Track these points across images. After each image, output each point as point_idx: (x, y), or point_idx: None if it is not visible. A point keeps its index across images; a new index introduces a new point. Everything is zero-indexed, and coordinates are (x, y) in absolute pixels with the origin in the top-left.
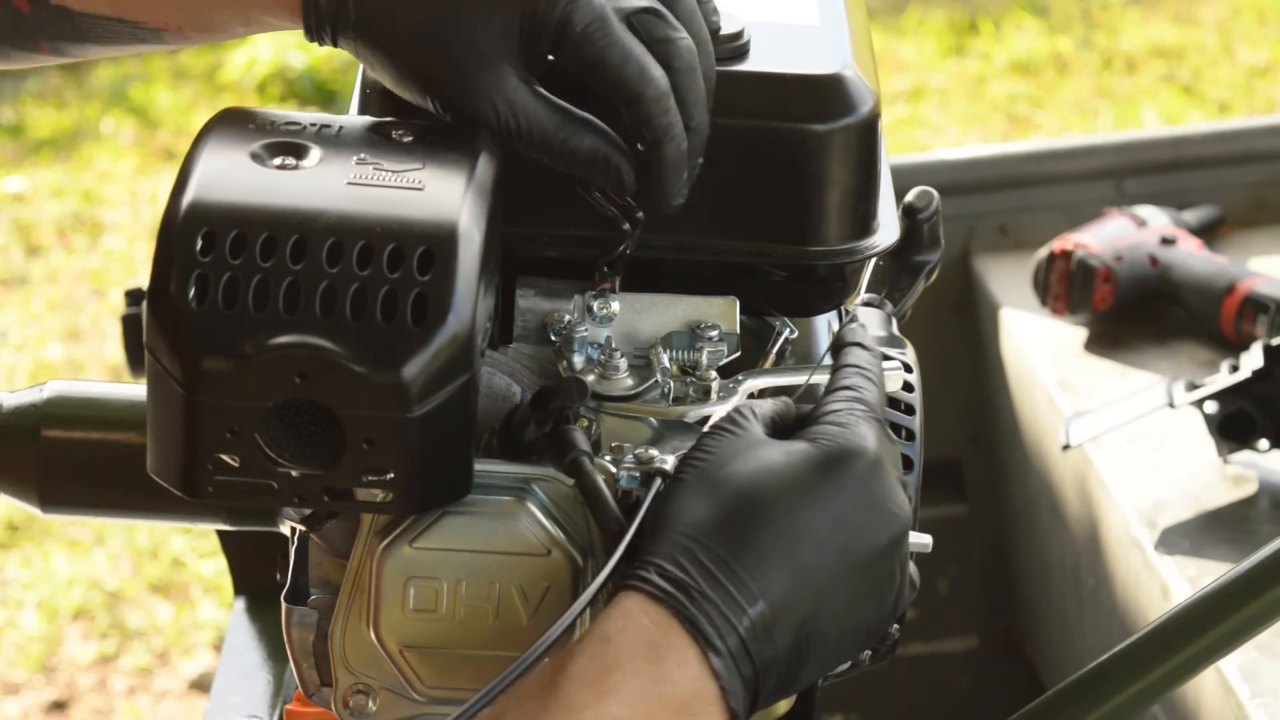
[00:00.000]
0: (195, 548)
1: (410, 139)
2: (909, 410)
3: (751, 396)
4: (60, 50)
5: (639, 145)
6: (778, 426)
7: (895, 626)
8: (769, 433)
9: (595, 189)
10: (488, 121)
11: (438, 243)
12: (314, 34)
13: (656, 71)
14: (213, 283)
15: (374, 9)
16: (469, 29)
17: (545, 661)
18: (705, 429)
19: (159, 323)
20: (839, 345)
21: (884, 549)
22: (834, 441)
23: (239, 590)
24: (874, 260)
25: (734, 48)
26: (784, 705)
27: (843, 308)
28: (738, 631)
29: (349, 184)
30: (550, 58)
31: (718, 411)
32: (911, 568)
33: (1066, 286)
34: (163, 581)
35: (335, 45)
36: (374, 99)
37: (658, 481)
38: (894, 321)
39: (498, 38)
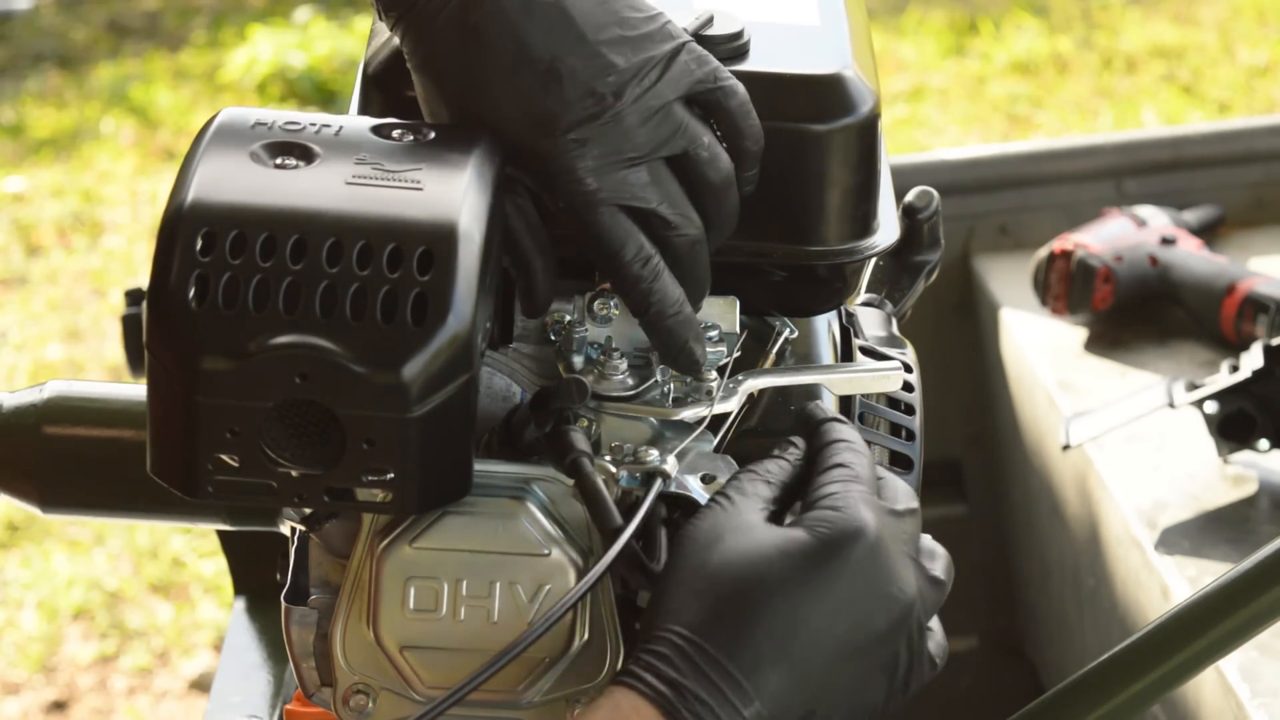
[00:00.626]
0: (195, 548)
1: (410, 139)
2: (909, 410)
3: (751, 396)
4: None
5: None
6: (775, 500)
7: None
8: (767, 509)
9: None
10: None
11: (438, 243)
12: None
13: (635, 253)
14: (213, 282)
15: (415, 53)
16: (478, 120)
17: None
18: (706, 501)
19: (159, 322)
20: (814, 422)
21: (885, 633)
22: (831, 527)
23: (239, 590)
24: (874, 260)
25: (734, 48)
26: None
27: (843, 307)
28: None
29: (349, 184)
30: None
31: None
32: (936, 642)
33: (1066, 286)
34: (163, 581)
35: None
36: (374, 99)
37: (658, 482)
38: (894, 321)
39: (493, 162)
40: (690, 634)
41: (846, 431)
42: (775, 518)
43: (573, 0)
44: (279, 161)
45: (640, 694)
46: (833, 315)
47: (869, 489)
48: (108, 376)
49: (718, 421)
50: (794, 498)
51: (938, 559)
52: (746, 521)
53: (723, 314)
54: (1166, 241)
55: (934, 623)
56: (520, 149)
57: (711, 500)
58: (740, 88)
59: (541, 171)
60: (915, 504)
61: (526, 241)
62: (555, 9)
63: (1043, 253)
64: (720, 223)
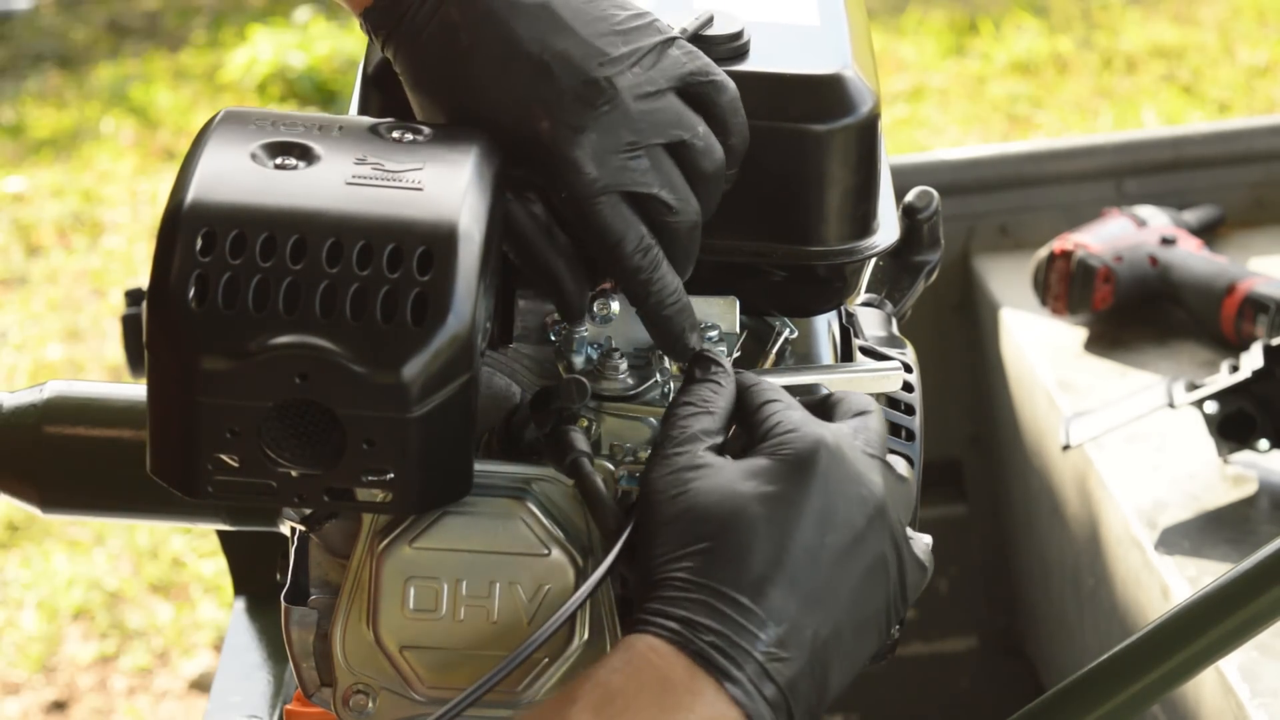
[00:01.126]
0: (195, 548)
1: (410, 139)
2: (909, 410)
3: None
4: None
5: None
6: (721, 429)
7: (895, 626)
8: (716, 443)
9: None
10: None
11: (438, 243)
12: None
13: (636, 243)
14: (213, 283)
15: (406, 68)
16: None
17: (548, 698)
18: (650, 456)
19: (159, 322)
20: (742, 388)
21: (864, 530)
22: (791, 449)
23: (239, 590)
24: (874, 260)
25: (734, 48)
26: None
27: (843, 308)
28: (754, 657)
29: (349, 184)
30: None
31: (677, 418)
32: (921, 546)
33: (1066, 286)
34: (163, 581)
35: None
36: (374, 99)
37: None
38: (894, 321)
39: (492, 162)
40: (688, 574)
41: (751, 376)
42: (726, 449)
43: (559, 0)
44: (279, 161)
45: (653, 634)
46: (833, 315)
47: (805, 412)
48: (108, 376)
49: None
50: (731, 423)
51: (897, 462)
52: (707, 462)
53: (723, 314)
54: (1166, 241)
55: (913, 532)
56: (519, 145)
57: (662, 445)
58: (731, 84)
59: (542, 163)
60: (870, 407)
61: (546, 250)
62: (542, 8)
63: (1043, 253)
64: (707, 213)
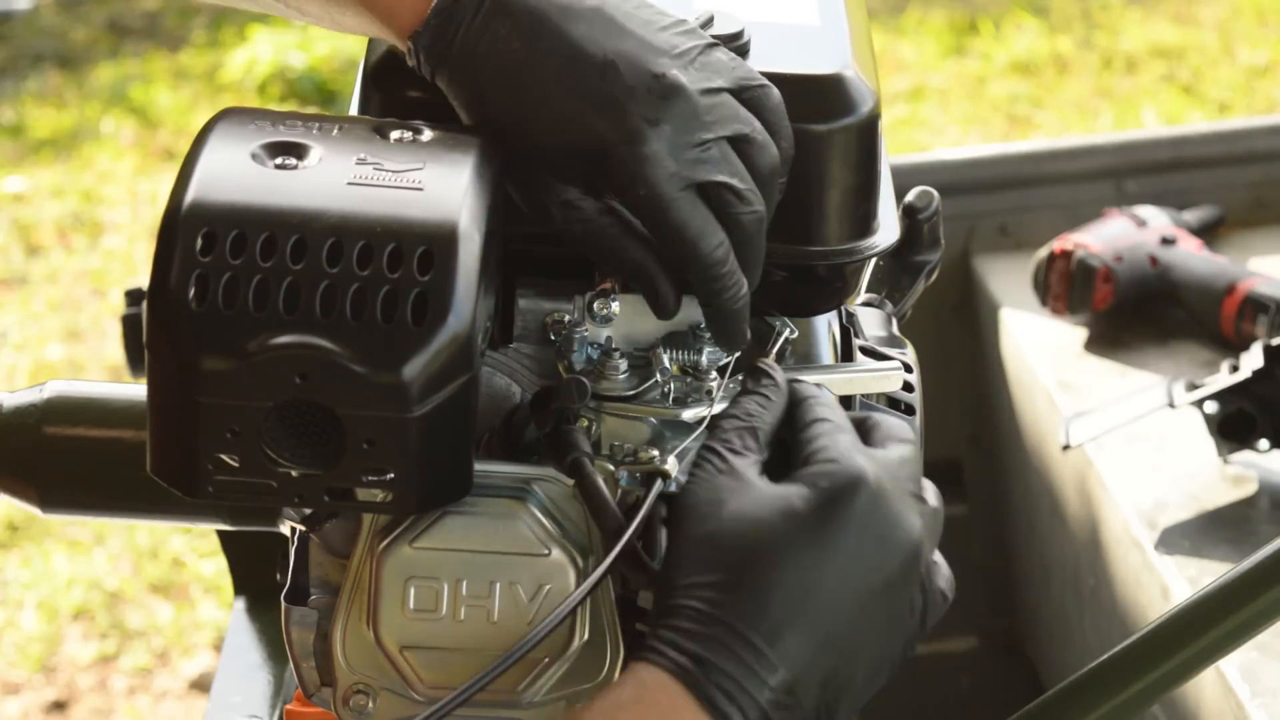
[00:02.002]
0: (195, 548)
1: (410, 139)
2: (909, 410)
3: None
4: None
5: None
6: (766, 444)
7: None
8: (760, 461)
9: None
10: (549, 220)
11: (438, 243)
12: (419, 71)
13: (715, 239)
14: (213, 282)
15: (461, 90)
16: (540, 140)
17: None
18: (706, 444)
19: (159, 322)
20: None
21: (897, 578)
22: (831, 480)
23: (239, 590)
24: (874, 260)
25: (734, 48)
26: None
27: (843, 308)
28: (759, 704)
29: (349, 184)
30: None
31: (726, 423)
32: (944, 576)
33: (1067, 286)
34: (163, 581)
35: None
36: (374, 99)
37: (658, 482)
38: (894, 321)
39: (564, 163)
40: (706, 607)
41: (809, 388)
42: (769, 467)
43: (611, 4)
44: (279, 161)
45: (664, 669)
46: (833, 315)
47: (854, 437)
48: (108, 376)
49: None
50: (779, 436)
51: (928, 488)
52: (745, 481)
53: None
54: (1166, 241)
55: (936, 555)
56: (586, 151)
57: (704, 458)
58: (776, 91)
59: (615, 164)
60: (909, 437)
61: (636, 249)
62: (596, 12)
63: (1043, 253)
64: (767, 216)
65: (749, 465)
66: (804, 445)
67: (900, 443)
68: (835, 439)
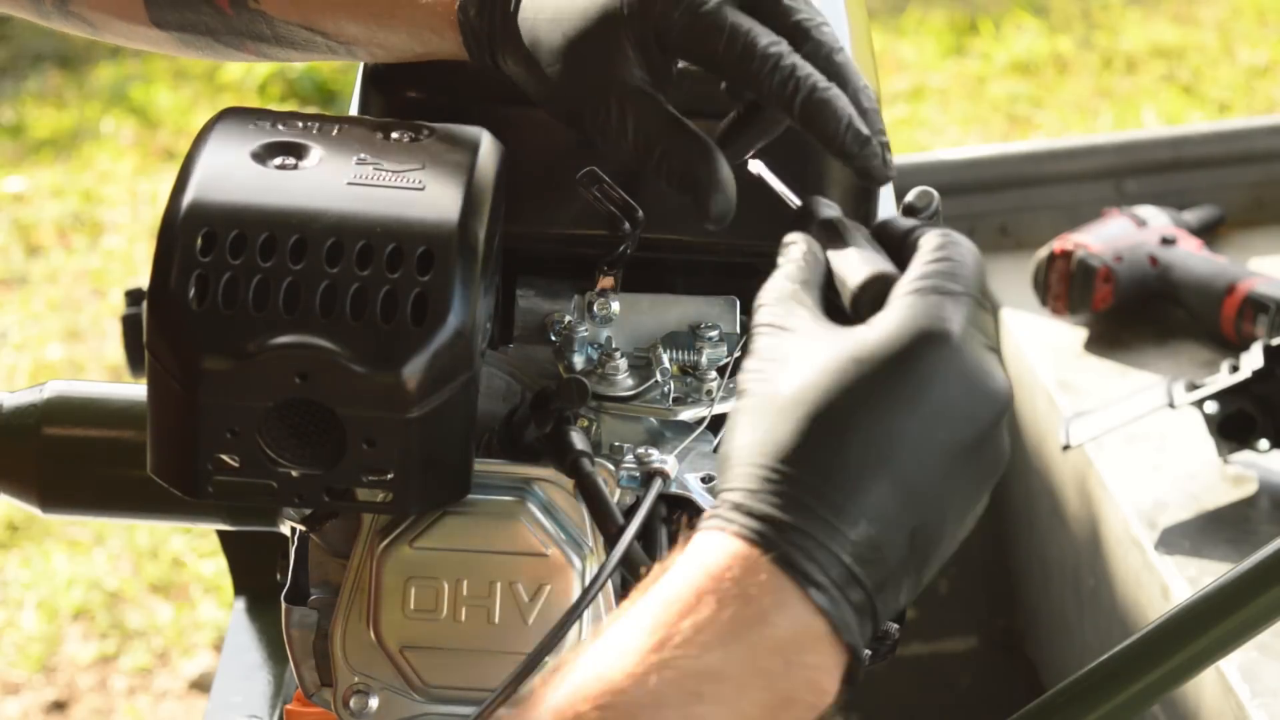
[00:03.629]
0: (195, 548)
1: (410, 139)
2: None
3: None
4: (263, 53)
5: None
6: (820, 300)
7: (896, 626)
8: (826, 311)
9: (593, 190)
10: (603, 123)
11: (438, 243)
12: (476, 56)
13: (769, 37)
14: (213, 282)
15: (515, 27)
16: (585, 20)
17: (609, 613)
18: (753, 324)
19: (159, 323)
20: (907, 232)
21: (987, 431)
22: (907, 330)
23: (239, 590)
24: None
25: None
26: None
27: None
28: (841, 560)
29: (349, 184)
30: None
31: (763, 294)
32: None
33: (1067, 286)
34: (163, 581)
35: (497, 66)
36: (374, 99)
37: (658, 482)
38: None
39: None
40: (774, 463)
41: (955, 236)
42: (831, 314)
43: None
44: (279, 161)
45: (731, 534)
46: None
47: (959, 284)
48: (108, 376)
49: (718, 421)
50: (823, 290)
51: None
52: (808, 332)
53: (723, 314)
54: (1166, 241)
55: None
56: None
57: (757, 330)
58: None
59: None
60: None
61: (686, 130)
62: None
63: (1043, 253)
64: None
65: (807, 318)
66: (909, 276)
67: (979, 296)
68: (933, 282)
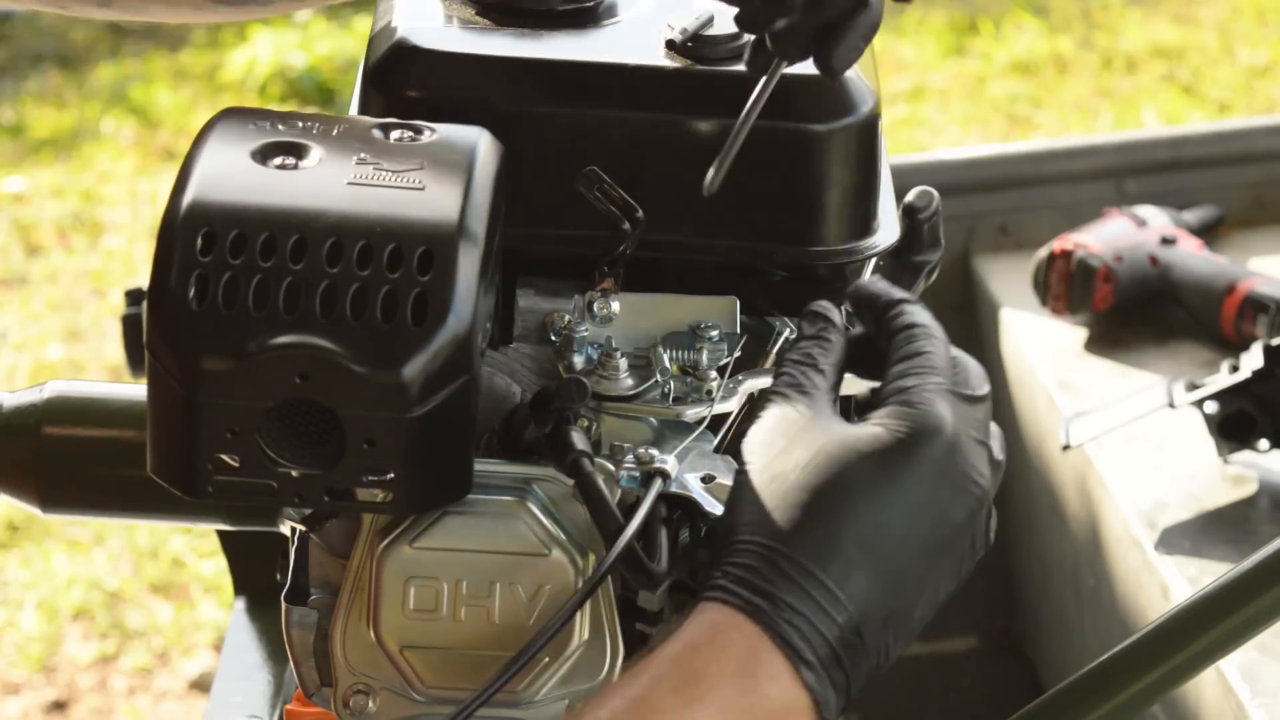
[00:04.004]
0: (195, 548)
1: (410, 139)
2: None
3: (751, 396)
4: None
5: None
6: (833, 387)
7: None
8: (830, 402)
9: (594, 190)
10: None
11: (438, 243)
12: None
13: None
14: (213, 282)
15: None
16: None
17: (625, 671)
18: (774, 384)
19: (159, 322)
20: (883, 304)
21: (964, 525)
22: (909, 425)
23: (239, 590)
24: (874, 260)
25: (733, 48)
26: None
27: (843, 308)
28: (829, 642)
29: (349, 184)
30: None
31: (791, 355)
32: (993, 518)
33: (1067, 286)
34: (163, 581)
35: None
36: (374, 99)
37: (658, 482)
38: None
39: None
40: (776, 544)
41: (921, 314)
42: (838, 408)
43: None
44: (279, 161)
45: (734, 607)
46: None
47: (946, 379)
48: (108, 376)
49: (718, 421)
50: (842, 375)
51: (995, 437)
52: (817, 422)
53: (723, 314)
54: (1166, 241)
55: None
56: None
57: (771, 399)
58: None
59: None
60: (987, 387)
61: None
62: None
63: (1043, 253)
64: None
65: (821, 405)
66: (892, 380)
67: (979, 388)
68: (925, 380)
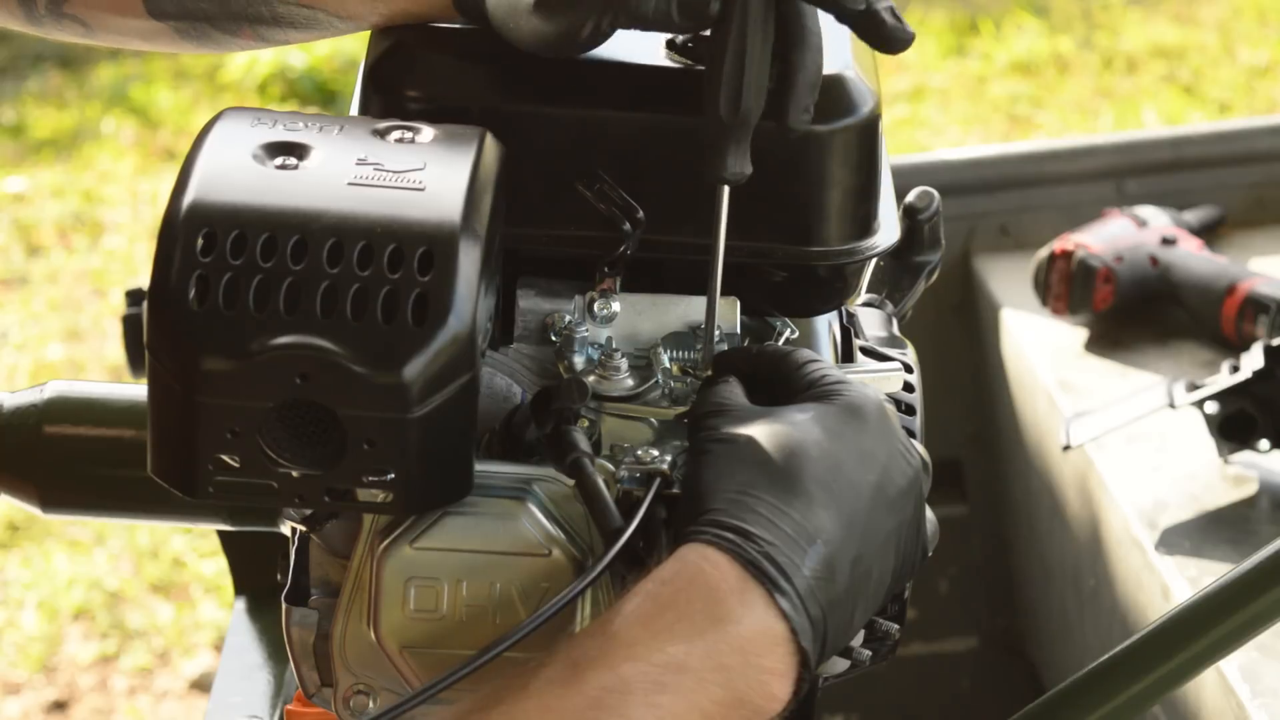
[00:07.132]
0: (195, 548)
1: (410, 139)
2: (909, 410)
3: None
4: (261, 36)
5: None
6: (752, 393)
7: (896, 626)
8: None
9: (593, 190)
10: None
11: (438, 243)
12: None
13: None
14: (213, 283)
15: None
16: None
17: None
18: (695, 407)
19: (159, 323)
20: (769, 355)
21: (908, 488)
22: (844, 395)
23: (239, 590)
24: (874, 261)
25: None
26: None
27: (843, 308)
28: (803, 571)
29: (350, 184)
30: None
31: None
32: (932, 527)
33: (1067, 287)
34: (163, 581)
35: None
36: (374, 99)
37: (658, 481)
38: (894, 322)
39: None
40: (741, 489)
41: (804, 352)
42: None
43: None
44: (280, 162)
45: (705, 542)
46: (833, 316)
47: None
48: (108, 376)
49: None
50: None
51: (918, 448)
52: (758, 410)
53: (723, 314)
54: (1167, 242)
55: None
56: None
57: (701, 424)
58: None
59: None
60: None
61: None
62: None
63: (1043, 253)
64: None
65: (743, 400)
66: (804, 377)
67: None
68: (835, 371)
